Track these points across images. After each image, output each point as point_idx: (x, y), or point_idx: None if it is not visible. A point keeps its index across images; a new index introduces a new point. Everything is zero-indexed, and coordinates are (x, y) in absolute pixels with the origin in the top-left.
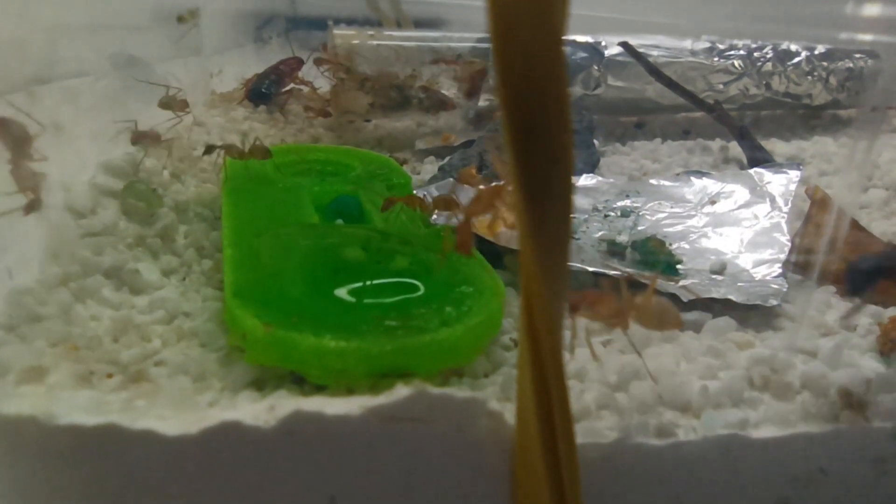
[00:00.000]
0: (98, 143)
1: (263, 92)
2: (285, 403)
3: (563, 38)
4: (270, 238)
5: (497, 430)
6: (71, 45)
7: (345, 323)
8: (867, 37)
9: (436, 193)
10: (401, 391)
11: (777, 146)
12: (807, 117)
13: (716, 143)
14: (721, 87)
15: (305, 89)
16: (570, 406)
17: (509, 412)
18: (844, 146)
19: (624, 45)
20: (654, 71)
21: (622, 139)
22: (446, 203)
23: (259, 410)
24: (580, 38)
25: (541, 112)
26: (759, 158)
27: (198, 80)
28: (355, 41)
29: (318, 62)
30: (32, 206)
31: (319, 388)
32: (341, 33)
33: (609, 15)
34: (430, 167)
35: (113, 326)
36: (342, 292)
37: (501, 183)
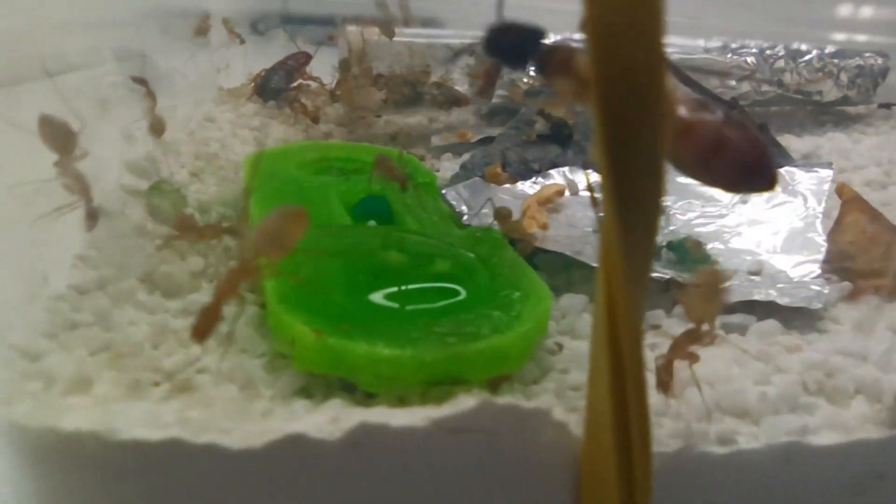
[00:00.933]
0: (110, 139)
1: (273, 87)
2: (348, 415)
3: (663, 47)
4: (308, 240)
5: (562, 441)
6: (75, 40)
7: (394, 329)
8: (877, 38)
9: (465, 193)
10: (465, 401)
11: (791, 142)
12: (815, 113)
13: None
14: (734, 83)
15: (313, 85)
16: (650, 419)
17: (571, 421)
18: (858, 142)
19: None
20: (674, 69)
21: None
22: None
23: (321, 422)
24: None
25: (638, 123)
26: (777, 155)
27: (205, 75)
28: (368, 37)
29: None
30: (93, 216)
31: (369, 396)
32: (353, 29)
33: None
34: (448, 164)
35: (151, 332)
36: (383, 297)
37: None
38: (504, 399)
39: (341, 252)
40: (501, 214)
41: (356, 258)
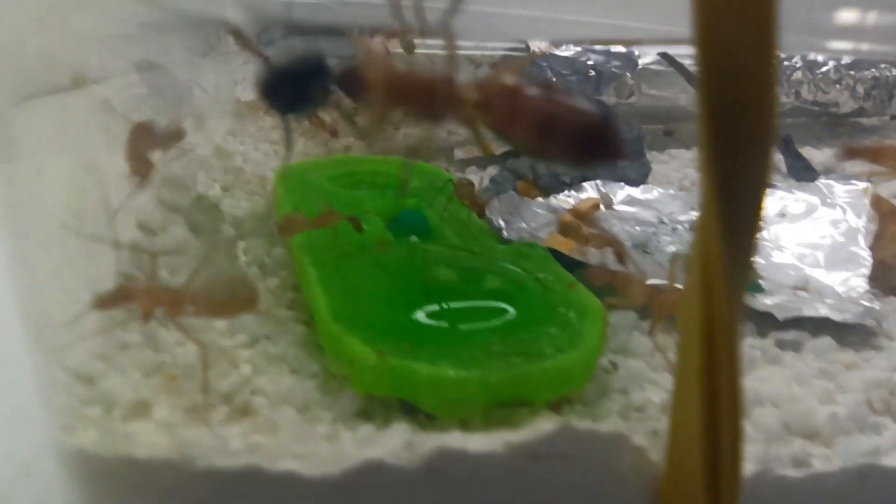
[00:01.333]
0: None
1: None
2: (421, 440)
3: (776, 52)
4: (358, 257)
5: (641, 467)
6: (97, 52)
7: (454, 349)
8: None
9: (502, 207)
10: (544, 426)
11: (812, 155)
12: (831, 125)
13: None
14: None
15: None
16: (742, 444)
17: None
18: None
19: (663, 55)
20: (694, 79)
21: (652, 147)
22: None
23: (396, 447)
24: (614, 49)
25: (746, 129)
26: (801, 167)
27: (221, 87)
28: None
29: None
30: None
31: (429, 418)
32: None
33: (641, 25)
34: (473, 177)
35: (201, 352)
36: (435, 315)
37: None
38: (583, 423)
39: (393, 268)
40: (570, 228)
41: (407, 275)
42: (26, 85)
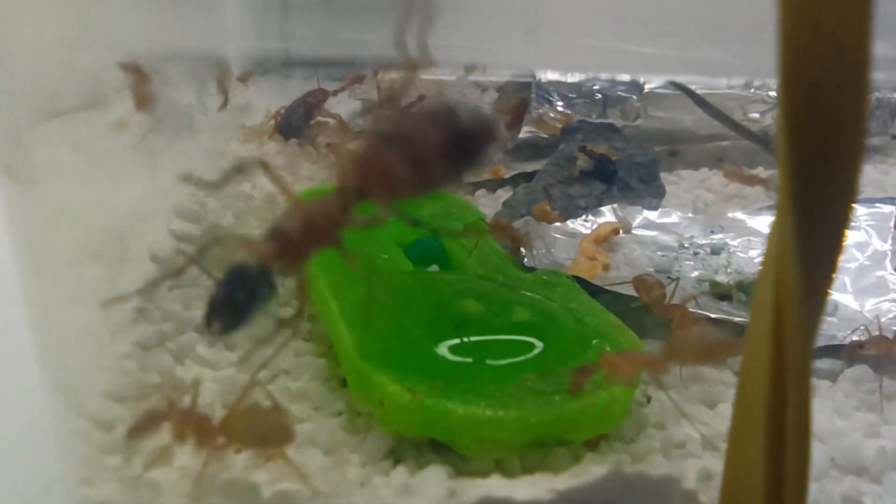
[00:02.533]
0: (144, 179)
1: (294, 125)
2: (463, 487)
3: (868, 73)
4: (381, 289)
5: None
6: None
7: (488, 387)
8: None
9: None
10: (592, 470)
11: None
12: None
13: (762, 173)
14: (757, 115)
15: (331, 122)
16: (808, 488)
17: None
18: (887, 174)
19: (673, 83)
20: (703, 103)
21: (661, 169)
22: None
23: (439, 497)
24: (619, 77)
25: (836, 151)
26: None
27: (225, 113)
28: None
29: (356, 80)
30: None
31: (461, 458)
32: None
33: (647, 50)
34: (483, 201)
35: (219, 390)
36: (461, 349)
37: None
38: (632, 468)
39: (418, 300)
40: (647, 284)
41: (433, 307)
42: (45, 104)
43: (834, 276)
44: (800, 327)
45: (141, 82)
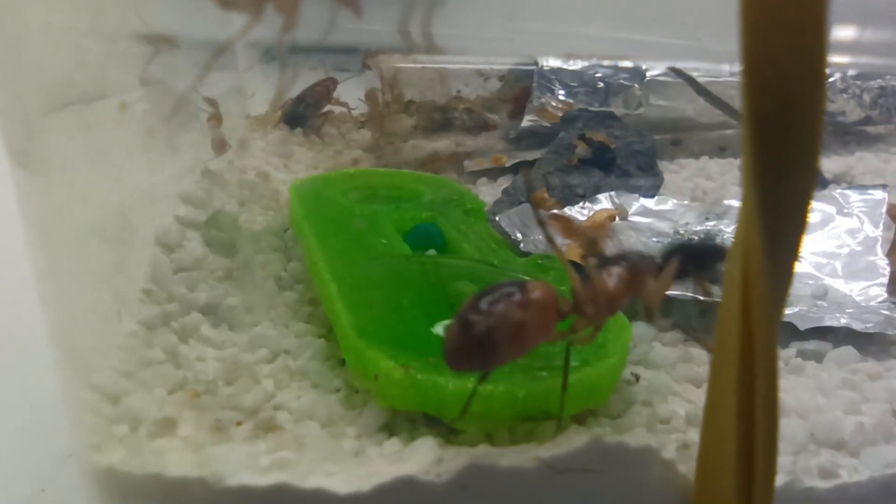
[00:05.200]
0: (153, 167)
1: (300, 114)
2: (451, 455)
3: (825, 62)
4: (379, 271)
5: (670, 480)
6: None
7: None
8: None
9: (518, 220)
10: (574, 440)
11: (822, 163)
12: (838, 134)
13: None
14: None
15: (337, 110)
16: (777, 456)
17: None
18: (888, 162)
19: (673, 69)
20: (703, 91)
21: (661, 157)
22: None
23: (426, 463)
24: (622, 64)
25: (793, 141)
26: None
27: (230, 100)
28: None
29: (366, 64)
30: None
31: (452, 432)
32: (384, 56)
33: (652, 39)
34: (484, 189)
35: (223, 368)
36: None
37: None
38: (613, 438)
39: (414, 282)
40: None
41: (429, 289)
42: (56, 94)
43: (798, 252)
44: (766, 303)
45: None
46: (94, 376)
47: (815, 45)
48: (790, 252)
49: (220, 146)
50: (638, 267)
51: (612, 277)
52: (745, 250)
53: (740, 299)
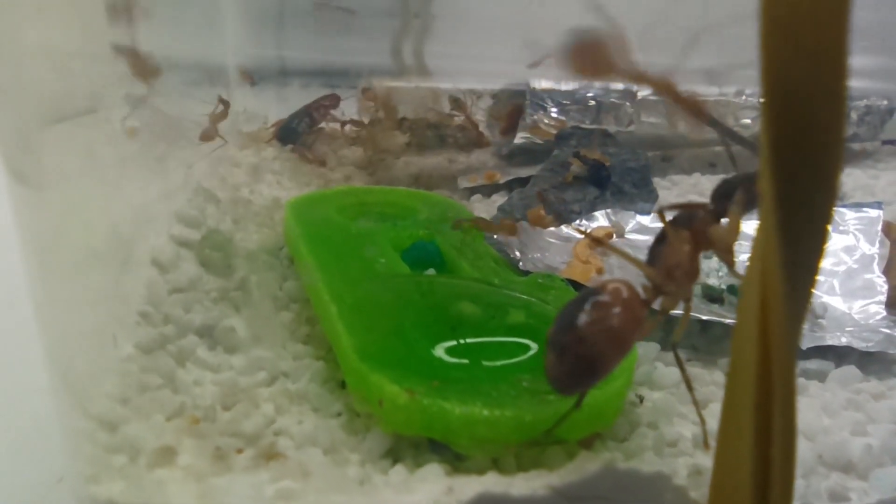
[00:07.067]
0: (145, 184)
1: (293, 131)
2: (461, 484)
3: (845, 81)
4: (379, 292)
5: None
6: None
7: (483, 387)
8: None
9: (515, 238)
10: (586, 467)
11: None
12: None
13: None
14: (748, 122)
15: (328, 126)
16: (794, 480)
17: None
18: (876, 178)
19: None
20: (696, 109)
21: (653, 174)
22: None
23: (436, 493)
24: (612, 86)
25: (816, 156)
26: None
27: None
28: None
29: (366, 96)
30: None
31: (458, 457)
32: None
33: (639, 59)
34: (479, 205)
35: (221, 392)
36: (457, 350)
37: None
38: (625, 465)
39: (415, 302)
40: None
41: (430, 309)
42: (49, 110)
43: (817, 276)
44: (785, 327)
45: (138, 60)
46: (90, 404)
47: (836, 72)
48: (809, 277)
49: (209, 136)
50: (697, 221)
51: (677, 244)
52: (764, 276)
53: (758, 324)
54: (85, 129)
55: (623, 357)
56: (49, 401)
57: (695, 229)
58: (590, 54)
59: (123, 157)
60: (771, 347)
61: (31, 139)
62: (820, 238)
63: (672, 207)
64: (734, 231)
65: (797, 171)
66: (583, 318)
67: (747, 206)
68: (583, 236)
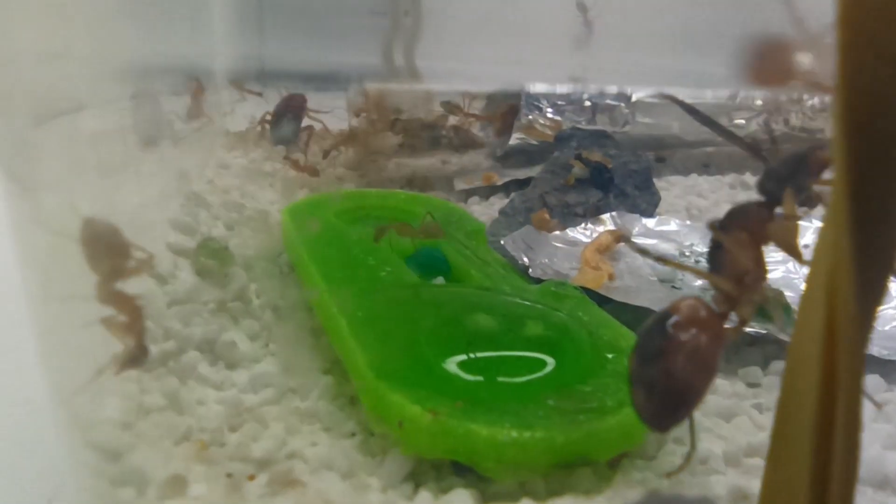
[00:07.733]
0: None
1: (285, 132)
2: None
3: None
4: (391, 304)
5: None
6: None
7: (509, 406)
8: None
9: (522, 243)
10: (626, 493)
11: None
12: (814, 149)
13: (751, 178)
14: (742, 122)
15: (317, 125)
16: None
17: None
18: None
19: (664, 95)
20: (693, 111)
21: None
22: None
23: None
24: (607, 90)
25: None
26: (804, 196)
27: (207, 121)
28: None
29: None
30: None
31: (482, 479)
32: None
33: (633, 62)
34: (477, 208)
35: (226, 412)
36: (474, 365)
37: None
38: (669, 491)
39: (427, 314)
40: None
41: (444, 322)
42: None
43: (886, 293)
44: (855, 348)
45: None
46: (90, 431)
47: None
48: (879, 296)
49: (196, 114)
50: (751, 218)
51: (737, 248)
52: (831, 295)
53: (823, 344)
54: (77, 130)
55: (713, 379)
56: (37, 416)
57: (751, 228)
58: (775, 61)
59: (112, 163)
60: (838, 371)
61: (24, 137)
62: (893, 257)
63: (731, 217)
64: (793, 220)
65: (876, 189)
66: (664, 347)
67: (799, 193)
68: (588, 241)
